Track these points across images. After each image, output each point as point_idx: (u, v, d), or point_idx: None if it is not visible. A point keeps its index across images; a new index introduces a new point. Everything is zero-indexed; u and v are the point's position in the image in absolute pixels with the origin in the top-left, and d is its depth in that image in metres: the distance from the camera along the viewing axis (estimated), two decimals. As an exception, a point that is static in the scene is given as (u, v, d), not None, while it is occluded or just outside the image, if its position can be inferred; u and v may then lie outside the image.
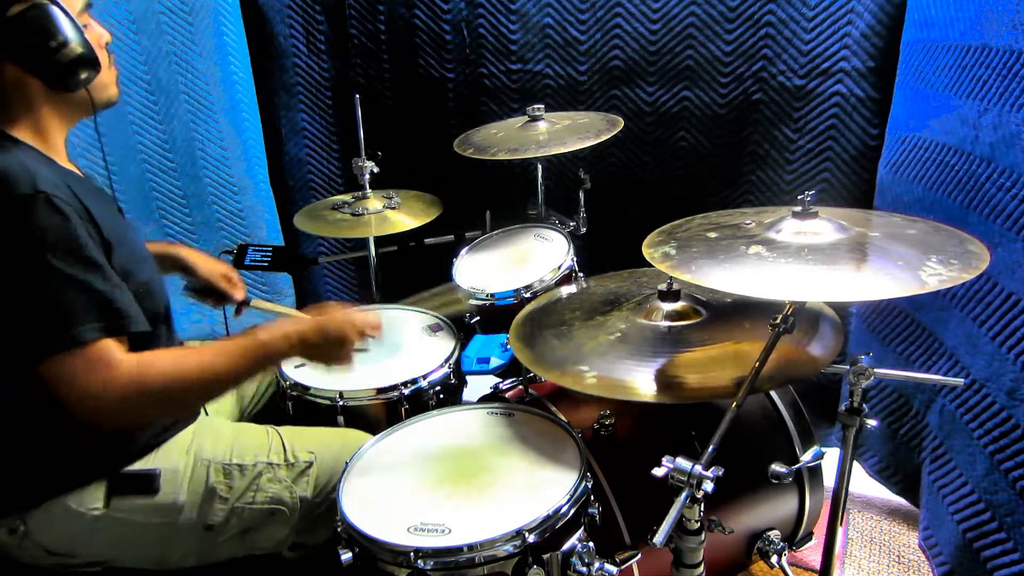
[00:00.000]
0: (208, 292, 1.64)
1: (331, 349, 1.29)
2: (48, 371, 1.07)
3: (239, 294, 1.67)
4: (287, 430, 1.46)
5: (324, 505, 1.38)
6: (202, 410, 1.42)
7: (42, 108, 1.20)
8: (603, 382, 1.20)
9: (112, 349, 1.10)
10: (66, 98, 1.21)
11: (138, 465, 1.27)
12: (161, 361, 1.16)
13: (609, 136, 1.84)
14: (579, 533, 1.18)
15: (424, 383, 1.64)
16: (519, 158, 1.88)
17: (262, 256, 2.01)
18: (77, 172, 1.29)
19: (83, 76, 1.18)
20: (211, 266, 1.64)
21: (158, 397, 1.13)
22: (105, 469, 1.25)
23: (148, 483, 1.26)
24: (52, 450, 1.21)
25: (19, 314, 1.08)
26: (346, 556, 1.14)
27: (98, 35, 1.24)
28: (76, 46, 1.13)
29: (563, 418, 1.41)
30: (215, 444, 1.35)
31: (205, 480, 1.31)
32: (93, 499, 1.23)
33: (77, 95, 1.21)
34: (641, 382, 1.19)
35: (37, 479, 1.22)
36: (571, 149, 1.80)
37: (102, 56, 1.24)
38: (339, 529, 1.18)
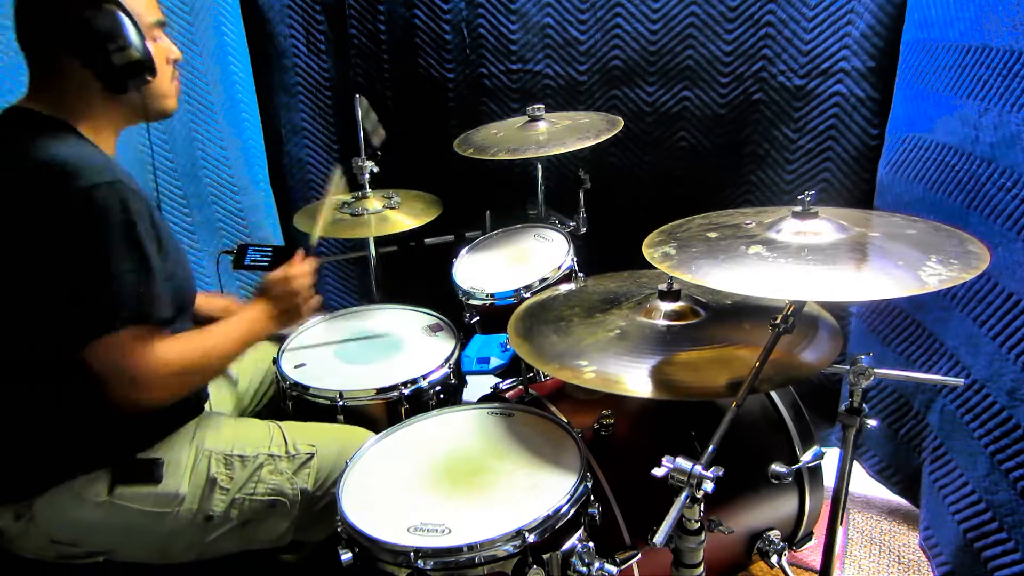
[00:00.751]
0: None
1: (287, 306, 1.47)
2: (93, 352, 1.13)
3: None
4: (288, 424, 1.47)
5: (324, 499, 1.39)
6: (206, 404, 1.43)
7: (98, 106, 1.24)
8: (601, 377, 1.20)
9: (149, 335, 1.18)
10: (121, 100, 1.26)
11: (142, 454, 1.29)
12: (191, 344, 1.28)
13: (609, 136, 1.85)
14: (579, 533, 1.18)
15: (424, 383, 1.64)
16: (519, 158, 1.88)
17: (262, 256, 2.00)
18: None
19: (137, 80, 1.23)
20: (211, 304, 1.67)
21: (191, 375, 1.27)
22: (110, 457, 1.26)
23: (151, 471, 1.28)
24: (58, 437, 1.23)
25: (72, 296, 1.12)
26: (346, 556, 1.14)
27: (166, 49, 1.31)
28: (134, 51, 1.19)
29: (563, 418, 1.41)
30: (217, 436, 1.37)
31: (207, 470, 1.33)
32: (97, 487, 1.25)
33: (132, 99, 1.26)
34: (638, 379, 1.18)
35: (43, 466, 1.23)
36: (571, 149, 1.80)
37: (166, 69, 1.31)
38: (339, 529, 1.18)
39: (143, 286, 1.16)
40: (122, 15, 1.18)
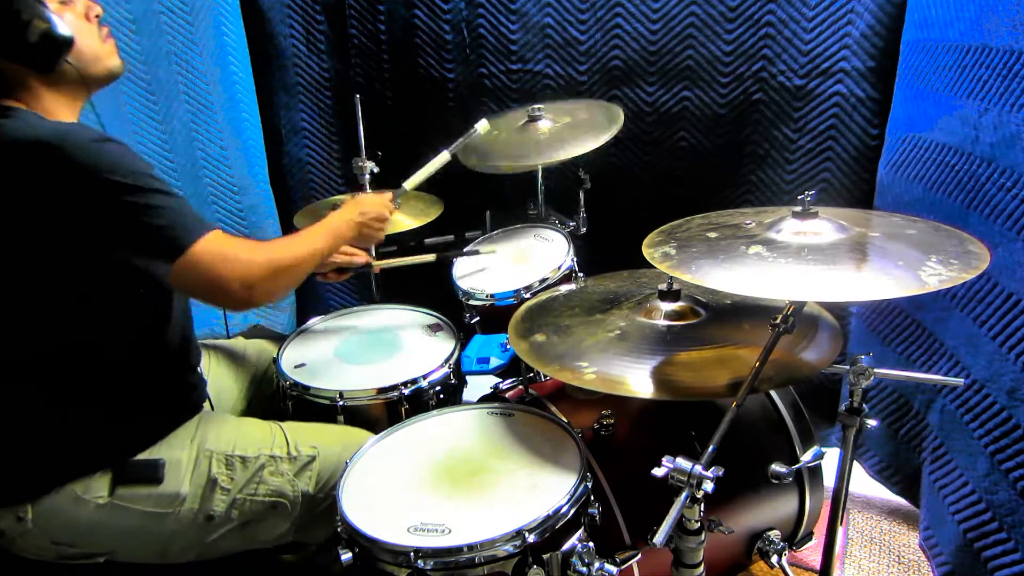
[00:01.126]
0: (334, 270, 1.83)
1: (375, 224, 1.62)
2: (180, 278, 1.17)
3: (361, 258, 1.84)
4: (290, 425, 1.46)
5: (326, 501, 1.39)
6: (207, 403, 1.43)
7: (40, 90, 1.20)
8: (602, 378, 1.20)
9: (221, 239, 1.21)
10: (60, 78, 1.21)
11: (143, 455, 1.28)
12: (275, 245, 1.34)
13: (610, 137, 1.85)
14: (579, 533, 1.18)
15: (424, 383, 1.64)
16: (523, 166, 1.89)
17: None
18: None
19: (59, 54, 1.18)
20: None
21: (287, 273, 1.31)
22: (111, 458, 1.26)
23: (153, 472, 1.28)
24: (59, 438, 1.22)
25: (143, 226, 1.13)
26: (346, 556, 1.14)
27: (85, 7, 1.24)
28: (39, 24, 1.14)
29: (563, 418, 1.41)
30: (218, 436, 1.37)
31: (208, 471, 1.32)
32: (98, 487, 1.24)
33: (67, 73, 1.21)
34: (639, 379, 1.19)
35: (44, 467, 1.23)
36: (573, 155, 1.81)
37: (89, 29, 1.24)
38: (339, 529, 1.18)
39: (182, 203, 1.18)
40: None
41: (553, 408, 1.47)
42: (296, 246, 1.36)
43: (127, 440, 1.28)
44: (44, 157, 1.08)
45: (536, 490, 1.20)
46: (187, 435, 1.34)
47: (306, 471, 1.38)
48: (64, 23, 1.18)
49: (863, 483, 2.03)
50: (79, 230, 1.12)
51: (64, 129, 1.12)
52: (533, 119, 1.99)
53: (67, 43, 1.19)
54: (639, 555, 1.26)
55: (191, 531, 1.32)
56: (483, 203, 2.15)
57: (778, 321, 1.09)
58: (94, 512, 1.24)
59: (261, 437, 1.41)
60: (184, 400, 1.37)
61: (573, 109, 2.04)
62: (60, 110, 1.23)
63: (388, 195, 1.72)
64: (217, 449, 1.35)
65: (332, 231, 1.48)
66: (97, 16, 1.27)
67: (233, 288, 1.19)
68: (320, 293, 2.76)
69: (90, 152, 1.09)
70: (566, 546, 1.15)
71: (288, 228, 2.54)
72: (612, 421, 1.41)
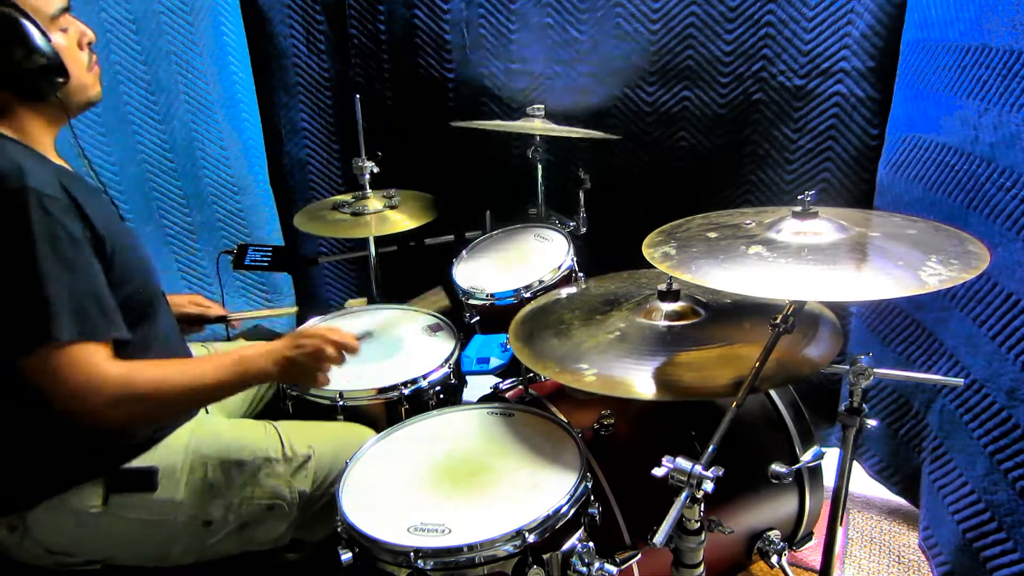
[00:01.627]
0: (187, 322, 1.68)
1: (308, 362, 1.30)
2: (29, 367, 1.08)
3: (215, 311, 1.72)
4: (285, 425, 1.46)
5: (323, 499, 1.38)
6: (203, 408, 1.43)
7: (20, 112, 1.19)
8: (602, 380, 1.20)
9: (94, 353, 1.11)
10: (42, 104, 1.20)
11: (136, 462, 1.27)
12: (148, 371, 1.18)
13: (608, 137, 1.85)
14: (579, 533, 1.18)
15: (424, 383, 1.64)
16: (516, 131, 1.86)
17: (262, 256, 2.01)
18: (68, 168, 1.28)
19: (51, 85, 1.16)
20: (175, 300, 1.64)
21: (144, 405, 1.16)
22: (104, 466, 1.25)
23: (147, 480, 1.27)
24: (51, 448, 1.21)
25: (2, 308, 1.08)
26: (346, 556, 1.14)
27: (79, 34, 1.23)
28: (40, 56, 1.13)
29: (563, 418, 1.41)
30: (213, 441, 1.36)
31: (203, 476, 1.31)
32: (92, 497, 1.23)
33: (52, 101, 1.20)
34: (639, 380, 1.19)
35: (36, 477, 1.22)
36: (569, 134, 1.79)
37: (81, 57, 1.23)
38: (339, 529, 1.18)
39: (82, 298, 1.10)
40: (19, 18, 1.10)
41: (553, 408, 1.47)
42: (174, 375, 1.20)
43: (119, 448, 1.26)
44: None
45: (536, 490, 1.20)
46: (180, 441, 1.33)
47: (302, 471, 1.38)
48: (61, 54, 1.17)
49: (863, 483, 2.03)
50: None
51: (7, 172, 1.08)
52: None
53: (64, 77, 1.18)
54: (639, 555, 1.27)
55: (188, 536, 1.31)
56: (483, 203, 2.15)
57: (778, 321, 1.09)
58: (88, 522, 1.23)
59: (256, 439, 1.40)
60: None
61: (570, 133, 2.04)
62: (39, 132, 1.22)
63: (344, 336, 1.34)
64: (212, 454, 1.33)
65: (241, 362, 1.24)
66: (89, 43, 1.26)
67: (75, 408, 1.10)
68: (320, 293, 2.76)
69: (11, 205, 1.06)
70: (566, 546, 1.15)
71: (288, 228, 2.54)
72: (612, 421, 1.41)
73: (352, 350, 1.34)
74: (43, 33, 1.14)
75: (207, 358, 1.30)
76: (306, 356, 1.29)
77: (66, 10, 1.21)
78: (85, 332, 1.10)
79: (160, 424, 1.30)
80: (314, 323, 1.40)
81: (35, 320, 1.07)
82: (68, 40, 1.21)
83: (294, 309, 2.00)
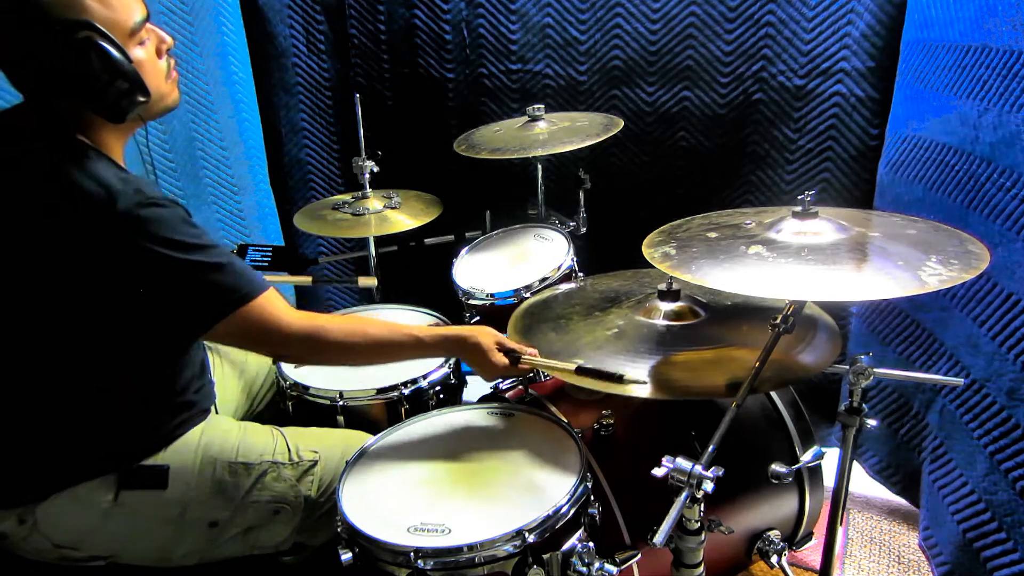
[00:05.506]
0: None
1: (474, 358, 1.38)
2: (222, 331, 1.19)
3: None
4: (291, 431, 1.46)
5: (327, 505, 1.39)
6: (212, 408, 1.43)
7: (101, 126, 1.18)
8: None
9: (268, 302, 1.22)
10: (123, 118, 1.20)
11: (149, 460, 1.28)
12: (336, 326, 1.31)
13: (609, 136, 1.85)
14: (579, 533, 1.17)
15: (424, 383, 1.64)
16: (519, 157, 1.88)
17: (262, 256, 2.01)
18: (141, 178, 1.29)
19: (132, 106, 1.15)
20: None
21: (332, 352, 1.32)
22: (117, 463, 1.25)
23: (158, 478, 1.27)
24: (65, 442, 1.22)
25: (179, 298, 1.15)
26: (346, 556, 1.14)
27: (158, 41, 1.21)
28: (123, 82, 1.11)
29: (563, 418, 1.41)
30: (223, 442, 1.36)
31: (212, 477, 1.32)
32: (103, 492, 1.24)
33: (132, 116, 1.18)
34: (636, 378, 1.18)
35: (49, 470, 1.23)
36: (571, 148, 1.80)
37: (160, 66, 1.22)
38: (339, 529, 1.18)
39: (234, 261, 1.19)
40: (100, 42, 1.06)
41: (553, 408, 1.47)
42: (357, 331, 1.33)
43: (135, 446, 1.27)
44: (95, 214, 1.09)
45: (536, 490, 1.20)
46: (192, 441, 1.33)
47: (308, 476, 1.38)
48: (143, 75, 1.14)
49: (863, 483, 2.03)
50: (113, 282, 1.12)
51: (118, 190, 1.10)
52: (533, 119, 1.99)
53: (145, 96, 1.15)
54: (639, 555, 1.27)
55: (194, 537, 1.31)
56: (483, 203, 2.15)
57: (778, 321, 1.09)
58: (97, 516, 1.24)
59: (263, 443, 1.40)
60: (195, 405, 1.36)
61: (573, 117, 2.04)
62: (114, 143, 1.23)
63: (526, 352, 1.37)
64: (221, 455, 1.34)
65: (428, 339, 1.37)
66: (168, 49, 1.23)
67: (266, 351, 1.31)
68: (320, 294, 2.76)
69: (133, 218, 1.09)
70: (566, 546, 1.15)
71: (288, 228, 2.54)
72: (612, 421, 1.41)
73: (524, 350, 1.39)
74: (123, 53, 1.10)
75: (391, 327, 1.40)
76: (473, 352, 1.37)
77: (146, 20, 1.17)
78: (254, 290, 1.19)
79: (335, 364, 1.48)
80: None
81: (218, 293, 1.16)
82: (147, 52, 1.17)
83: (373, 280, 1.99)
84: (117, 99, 1.12)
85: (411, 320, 1.93)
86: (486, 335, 1.38)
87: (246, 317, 1.19)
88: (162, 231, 1.10)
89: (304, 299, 2.72)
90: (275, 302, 1.23)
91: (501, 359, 1.36)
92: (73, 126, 1.16)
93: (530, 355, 1.36)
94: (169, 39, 1.24)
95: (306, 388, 1.62)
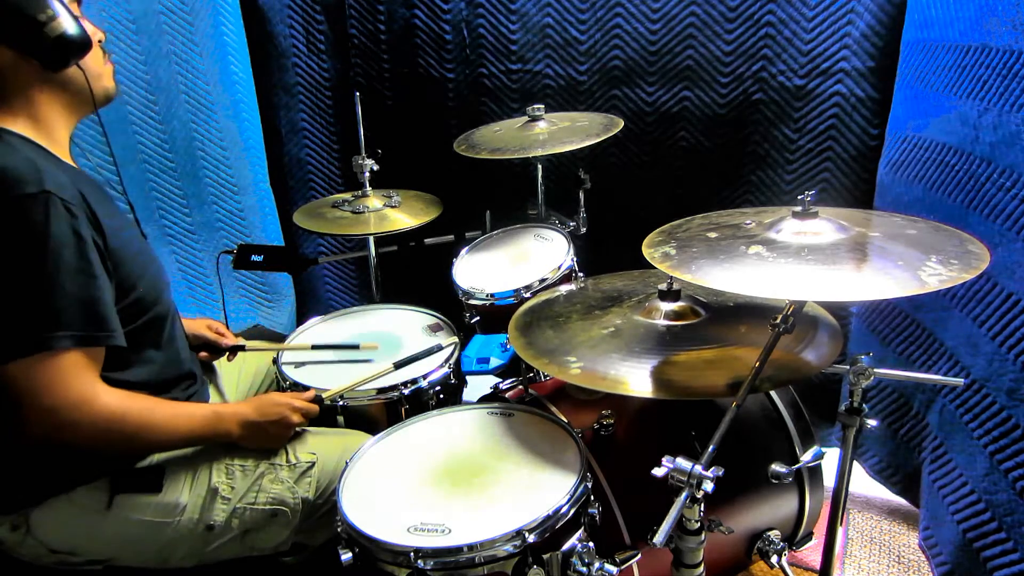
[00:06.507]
0: (201, 345, 1.66)
1: (273, 429, 1.37)
2: (15, 372, 1.07)
3: (229, 340, 1.69)
4: None
5: (325, 507, 1.38)
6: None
7: (39, 96, 1.20)
8: (587, 374, 1.20)
9: (87, 370, 1.11)
10: (63, 85, 1.21)
11: (142, 463, 1.28)
12: (138, 406, 1.20)
13: (609, 136, 1.85)
14: (579, 533, 1.18)
15: (424, 383, 1.64)
16: (519, 157, 1.88)
17: (262, 256, 2.01)
18: (83, 172, 1.29)
19: (75, 54, 1.18)
20: (192, 324, 1.64)
21: (124, 437, 1.18)
22: (109, 467, 1.25)
23: (151, 481, 1.27)
24: (57, 448, 1.21)
25: (4, 309, 1.08)
26: (346, 556, 1.14)
27: (91, 31, 1.24)
28: (64, 20, 1.15)
29: (563, 418, 1.41)
30: (218, 444, 1.36)
31: (208, 480, 1.32)
32: (97, 497, 1.24)
33: (74, 83, 1.21)
34: (628, 377, 1.18)
35: (41, 476, 1.22)
36: (571, 148, 1.80)
37: (96, 51, 1.25)
38: (339, 529, 1.18)
39: (87, 306, 1.10)
40: None
41: (553, 408, 1.47)
42: (147, 415, 1.21)
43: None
44: None
45: (536, 490, 1.20)
46: None
47: (305, 477, 1.38)
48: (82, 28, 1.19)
49: (863, 483, 2.03)
50: None
51: (11, 176, 1.07)
52: (533, 119, 1.99)
53: (83, 46, 1.20)
54: (639, 555, 1.26)
55: (191, 540, 1.31)
56: (483, 203, 2.15)
57: (778, 321, 1.09)
58: (92, 521, 1.23)
59: None
60: None
61: (573, 117, 2.04)
62: (57, 125, 1.23)
63: (307, 395, 1.48)
64: (217, 458, 1.34)
65: (215, 417, 1.30)
66: (100, 40, 1.28)
67: (53, 421, 1.10)
68: (320, 294, 2.76)
69: (29, 208, 1.06)
70: (566, 546, 1.15)
71: (288, 228, 2.54)
72: (612, 421, 1.41)
73: (313, 414, 1.45)
74: (64, 4, 1.16)
75: (187, 405, 1.33)
76: (272, 424, 1.36)
77: (79, 2, 1.23)
78: (78, 341, 1.10)
79: (122, 454, 1.28)
80: (273, 396, 1.43)
81: (36, 326, 1.07)
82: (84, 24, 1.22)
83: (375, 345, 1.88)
84: (57, 39, 1.15)
85: (411, 320, 1.93)
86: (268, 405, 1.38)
87: (32, 367, 1.06)
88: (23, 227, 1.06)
89: (305, 298, 2.72)
90: (84, 366, 1.11)
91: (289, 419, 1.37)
92: (3, 102, 1.16)
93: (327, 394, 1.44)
94: (101, 33, 1.28)
95: (306, 388, 1.61)
